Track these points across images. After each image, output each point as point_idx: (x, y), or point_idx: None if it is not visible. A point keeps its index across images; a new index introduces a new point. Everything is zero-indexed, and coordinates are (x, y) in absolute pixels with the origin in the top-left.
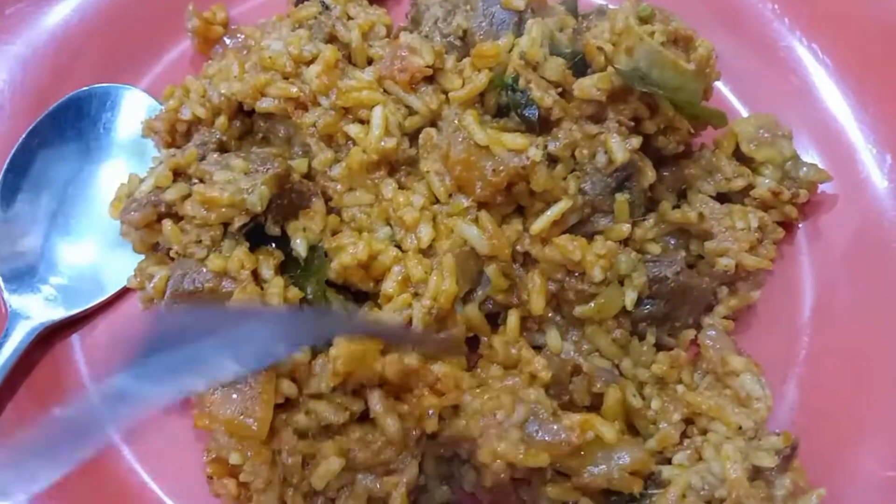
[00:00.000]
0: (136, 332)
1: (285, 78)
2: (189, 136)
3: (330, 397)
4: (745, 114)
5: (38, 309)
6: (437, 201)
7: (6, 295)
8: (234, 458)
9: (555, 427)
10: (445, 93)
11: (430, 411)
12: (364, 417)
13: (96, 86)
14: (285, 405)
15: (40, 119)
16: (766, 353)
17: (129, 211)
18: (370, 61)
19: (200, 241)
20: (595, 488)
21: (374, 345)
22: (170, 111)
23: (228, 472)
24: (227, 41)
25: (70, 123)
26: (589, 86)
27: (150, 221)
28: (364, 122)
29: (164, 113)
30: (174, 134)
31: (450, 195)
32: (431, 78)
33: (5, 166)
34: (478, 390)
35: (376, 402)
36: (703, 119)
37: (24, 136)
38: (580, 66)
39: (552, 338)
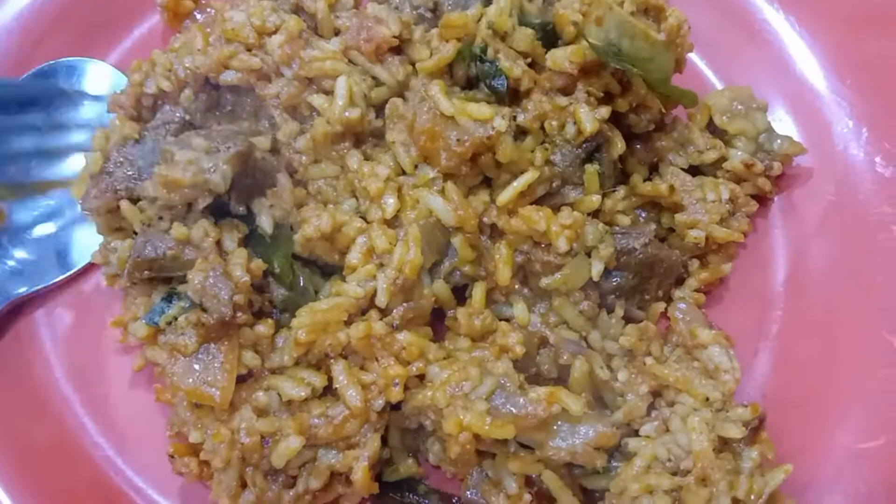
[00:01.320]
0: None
1: (248, 49)
2: (154, 111)
3: (291, 372)
4: (720, 87)
5: (1, 283)
6: (404, 172)
7: None
8: (194, 437)
9: (521, 400)
10: (413, 64)
11: (396, 381)
12: (325, 392)
13: (62, 59)
14: (246, 378)
15: (4, 91)
16: (738, 327)
17: (90, 198)
18: (337, 32)
19: (162, 218)
20: (559, 462)
21: (338, 314)
22: (134, 85)
23: (189, 450)
24: (198, 15)
25: (36, 96)
26: (562, 57)
27: (111, 207)
28: (329, 93)
29: (129, 87)
30: (140, 108)
31: (415, 166)
32: (399, 49)
33: None
34: (445, 361)
35: (340, 372)
36: (674, 98)
37: None
38: (550, 36)
39: (519, 310)
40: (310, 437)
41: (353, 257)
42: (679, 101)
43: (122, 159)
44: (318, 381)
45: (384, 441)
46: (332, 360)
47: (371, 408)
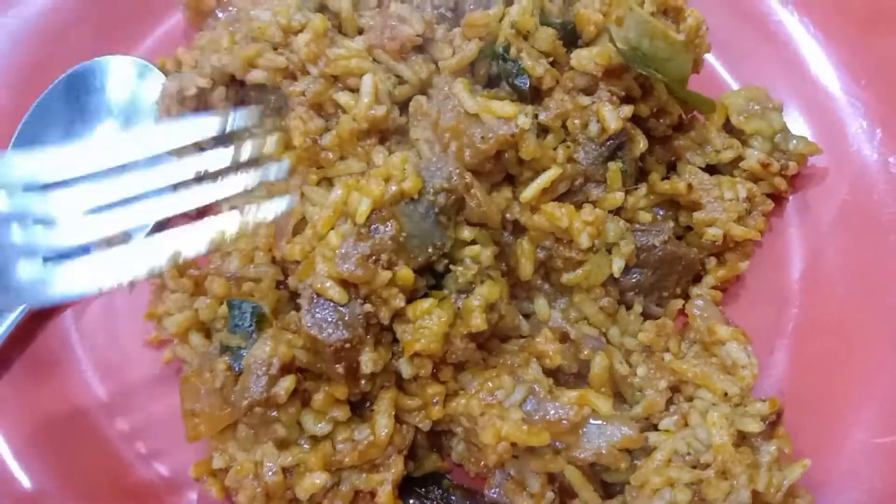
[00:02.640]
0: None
1: (274, 48)
2: (198, 110)
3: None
4: (735, 87)
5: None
6: None
7: None
8: (217, 462)
9: (553, 405)
10: (435, 62)
11: (436, 399)
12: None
13: (99, 59)
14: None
15: (46, 94)
16: (754, 324)
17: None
18: (360, 31)
19: None
20: (584, 462)
21: None
22: (177, 93)
23: (212, 471)
24: (220, 14)
25: (73, 97)
26: (587, 58)
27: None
28: (354, 90)
29: (173, 95)
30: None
31: None
32: (422, 48)
33: (13, 141)
34: (476, 368)
35: (384, 402)
36: (693, 104)
37: (31, 110)
38: (570, 35)
39: (540, 306)
40: (334, 464)
41: None
42: (698, 107)
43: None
44: (341, 413)
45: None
46: (381, 391)
47: (399, 435)
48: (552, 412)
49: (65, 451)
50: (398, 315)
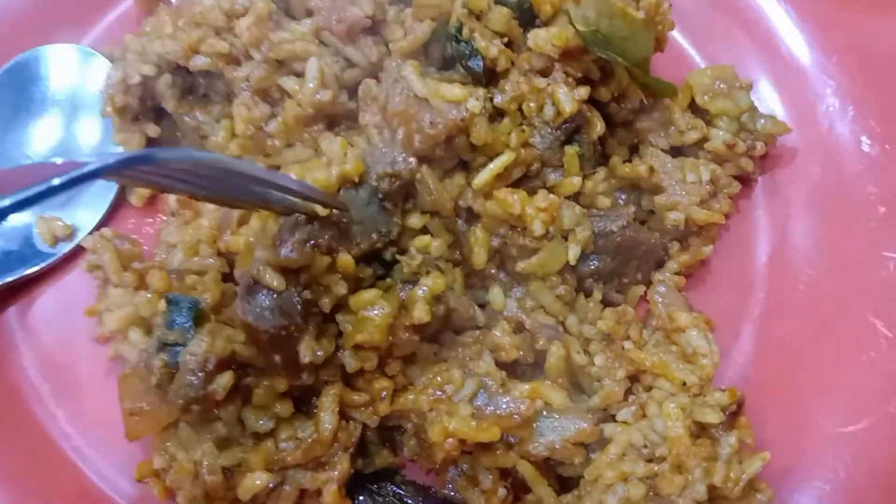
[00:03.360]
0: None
1: (217, 33)
2: (144, 100)
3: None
4: (703, 66)
5: None
6: None
7: None
8: (157, 462)
9: (505, 399)
10: (387, 45)
11: (383, 394)
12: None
13: (40, 47)
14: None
15: None
16: (720, 309)
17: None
18: (309, 14)
19: None
20: (537, 457)
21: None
22: (120, 82)
23: (154, 472)
24: (173, 0)
25: (16, 87)
26: (544, 39)
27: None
28: (300, 75)
29: (117, 84)
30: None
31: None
32: (373, 29)
33: None
34: (425, 362)
35: (329, 397)
36: (654, 89)
37: None
38: (527, 15)
39: (495, 294)
40: (277, 462)
41: None
42: (659, 92)
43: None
44: (283, 409)
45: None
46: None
47: (346, 432)
48: (503, 406)
49: (7, 451)
50: (342, 306)
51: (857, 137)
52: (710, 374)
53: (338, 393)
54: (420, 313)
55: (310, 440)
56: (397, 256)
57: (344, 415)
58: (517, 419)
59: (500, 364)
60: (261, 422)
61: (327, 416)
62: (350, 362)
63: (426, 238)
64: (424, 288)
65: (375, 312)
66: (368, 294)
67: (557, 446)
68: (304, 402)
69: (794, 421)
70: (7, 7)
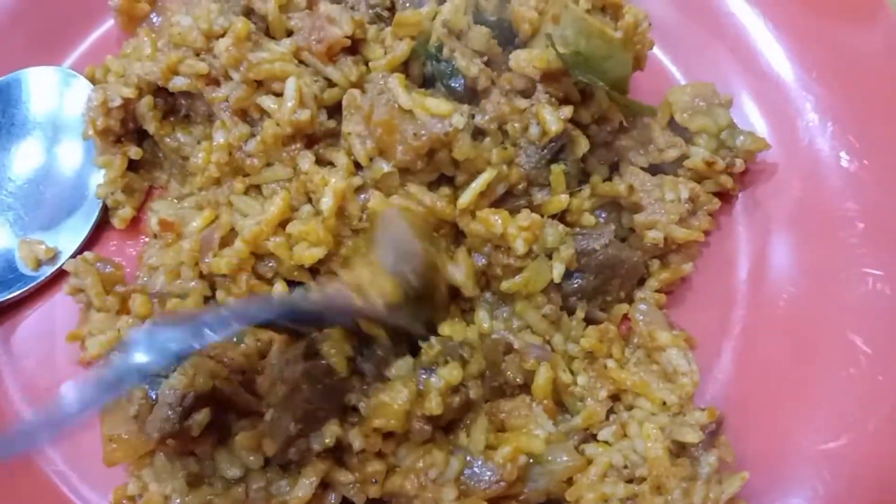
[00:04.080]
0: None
1: (196, 54)
2: (126, 123)
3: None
4: (684, 82)
5: None
6: (357, 168)
7: None
8: (132, 488)
9: (488, 471)
10: (367, 63)
11: (374, 480)
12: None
13: (20, 70)
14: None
15: None
16: (701, 327)
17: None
18: (289, 33)
19: None
20: (534, 503)
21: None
22: (101, 105)
23: (128, 498)
24: (154, 19)
25: None
26: (525, 60)
27: None
28: (279, 94)
29: (98, 107)
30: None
31: (370, 159)
32: (353, 49)
33: None
34: (409, 444)
35: (314, 471)
36: (634, 111)
37: None
38: (506, 34)
39: (481, 318)
40: None
41: None
42: (640, 113)
43: None
44: (254, 461)
45: None
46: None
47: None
48: (488, 476)
49: None
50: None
51: (836, 153)
52: (689, 393)
53: (325, 469)
54: (433, 405)
55: (279, 501)
56: (420, 342)
57: (326, 485)
58: (503, 485)
59: (494, 390)
60: (232, 468)
61: (304, 486)
62: (357, 443)
63: (451, 325)
64: (440, 378)
65: (393, 397)
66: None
67: (553, 489)
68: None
69: (774, 438)
70: None
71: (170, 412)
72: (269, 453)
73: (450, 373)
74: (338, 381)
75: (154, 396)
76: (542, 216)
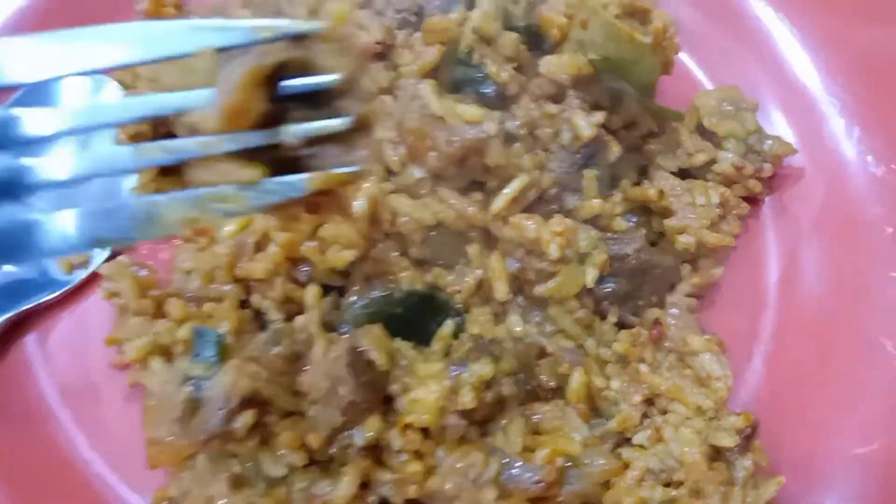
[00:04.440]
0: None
1: None
2: (157, 127)
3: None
4: (710, 87)
5: None
6: (390, 175)
7: None
8: (173, 490)
9: (527, 469)
10: (396, 69)
11: (413, 482)
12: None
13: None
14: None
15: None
16: (731, 331)
17: None
18: None
19: None
20: None
21: None
22: None
23: (170, 499)
24: None
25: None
26: (556, 66)
27: None
28: None
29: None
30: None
31: (402, 165)
32: (382, 55)
33: None
34: (449, 445)
35: (354, 470)
36: (663, 116)
37: None
38: (535, 39)
39: (514, 322)
40: None
41: None
42: (668, 118)
43: None
44: (298, 459)
45: None
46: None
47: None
48: (528, 477)
49: (28, 477)
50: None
51: (863, 158)
52: (724, 398)
53: (366, 467)
54: (466, 399)
55: (321, 500)
56: (451, 340)
57: (366, 485)
58: (543, 486)
59: (528, 394)
60: (275, 467)
61: (346, 484)
62: (398, 442)
63: (481, 321)
64: (472, 373)
65: (427, 393)
66: (423, 373)
67: (590, 491)
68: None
69: (806, 443)
70: (12, 34)
71: (216, 414)
72: (315, 446)
73: (481, 368)
74: (380, 374)
75: (198, 398)
76: (575, 222)
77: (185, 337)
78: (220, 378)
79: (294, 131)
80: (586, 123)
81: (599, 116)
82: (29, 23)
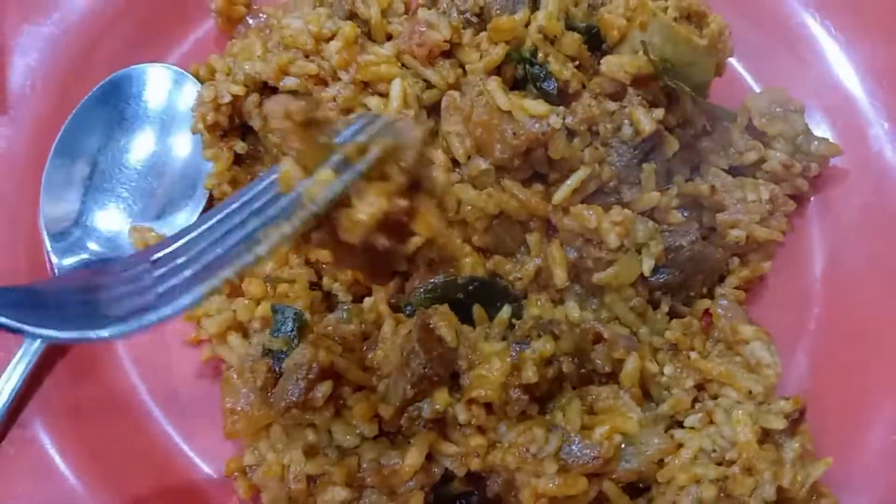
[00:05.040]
0: None
1: (306, 56)
2: (233, 118)
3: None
4: (758, 89)
5: None
6: (455, 165)
7: (55, 259)
8: (248, 459)
9: (586, 449)
10: (462, 66)
11: (476, 454)
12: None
13: (136, 66)
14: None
15: (84, 101)
16: (776, 323)
17: None
18: (389, 37)
19: None
20: (623, 481)
21: None
22: (212, 101)
23: (242, 469)
24: (250, 20)
25: (111, 104)
26: (617, 66)
27: None
28: (383, 95)
29: (209, 103)
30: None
31: (468, 157)
32: (449, 52)
33: (54, 148)
34: (511, 421)
35: (422, 441)
36: (715, 115)
37: (70, 117)
38: (595, 40)
39: (571, 308)
40: (357, 480)
41: None
42: (720, 117)
43: None
44: (368, 430)
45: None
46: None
47: (430, 475)
48: (586, 453)
49: (108, 447)
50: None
51: None
52: (773, 383)
53: (432, 439)
54: (529, 374)
55: (389, 469)
56: (513, 320)
57: (430, 456)
58: (601, 462)
59: (583, 377)
60: (348, 437)
61: (414, 455)
62: (463, 416)
63: (542, 306)
64: (534, 350)
65: (490, 369)
66: (487, 351)
67: (644, 468)
68: (391, 432)
69: (849, 431)
70: (95, 28)
71: (297, 384)
72: (386, 417)
73: (543, 345)
74: (448, 350)
75: (278, 370)
76: (634, 213)
77: (264, 314)
78: (301, 350)
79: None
80: (647, 119)
81: (659, 113)
82: (102, 22)
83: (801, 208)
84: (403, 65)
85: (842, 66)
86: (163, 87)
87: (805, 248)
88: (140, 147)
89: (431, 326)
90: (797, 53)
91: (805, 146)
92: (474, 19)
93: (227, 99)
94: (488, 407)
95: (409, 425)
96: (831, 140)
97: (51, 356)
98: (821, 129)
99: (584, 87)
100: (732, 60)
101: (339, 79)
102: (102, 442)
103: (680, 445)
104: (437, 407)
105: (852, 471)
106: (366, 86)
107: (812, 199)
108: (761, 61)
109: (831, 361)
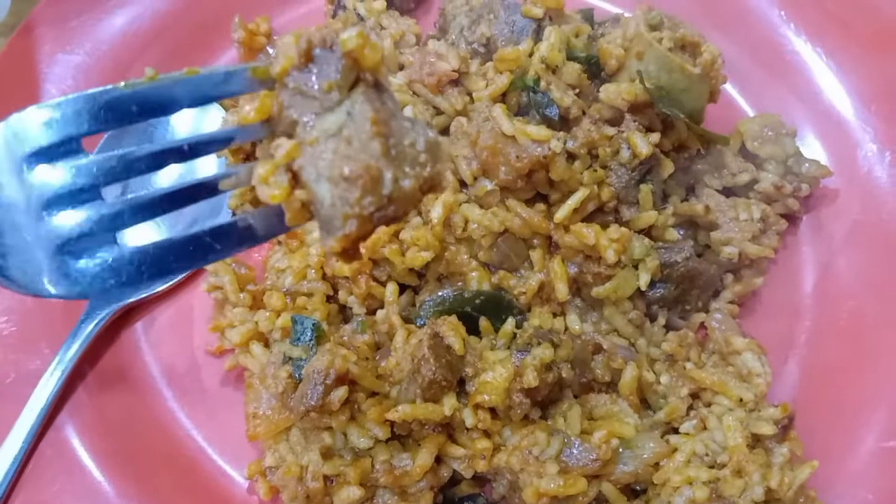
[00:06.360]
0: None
1: None
2: (255, 142)
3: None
4: (752, 114)
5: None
6: (463, 187)
7: None
8: (269, 460)
9: (585, 448)
10: (469, 94)
11: (483, 456)
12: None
13: None
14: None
15: None
16: (768, 336)
17: None
18: (401, 67)
19: None
20: (620, 483)
21: None
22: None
23: (262, 472)
24: (270, 51)
25: (140, 128)
26: (614, 93)
27: None
28: None
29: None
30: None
31: (475, 178)
32: (457, 81)
33: None
34: (514, 425)
35: (431, 444)
36: (709, 139)
37: (101, 142)
38: (594, 68)
39: (572, 321)
40: (370, 480)
41: None
42: (714, 141)
43: None
44: (381, 433)
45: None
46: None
47: (439, 476)
48: (586, 455)
49: (136, 449)
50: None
51: (894, 180)
52: (763, 392)
53: (441, 443)
54: (530, 378)
55: (401, 470)
56: (516, 331)
57: (439, 459)
58: (599, 464)
59: (583, 386)
60: (362, 440)
61: (424, 456)
62: (469, 420)
63: (542, 317)
64: (534, 356)
65: (494, 376)
66: (491, 359)
67: (640, 471)
68: (402, 435)
69: (838, 437)
70: (125, 57)
71: (315, 389)
72: (398, 421)
73: (542, 352)
74: (456, 358)
75: (298, 376)
76: (630, 231)
77: (284, 324)
78: (318, 358)
79: None
80: (644, 143)
81: (655, 137)
82: (131, 52)
83: (793, 226)
84: (414, 93)
85: (832, 90)
86: (189, 111)
87: (797, 264)
88: (167, 168)
89: (441, 335)
90: (790, 79)
91: (796, 168)
92: (481, 49)
93: None
94: (493, 411)
95: (418, 430)
96: (823, 161)
97: (83, 365)
98: (813, 151)
99: (584, 113)
100: (728, 87)
101: None
102: (130, 445)
103: (675, 449)
104: (447, 412)
105: (840, 476)
106: None
107: (804, 217)
108: (755, 87)
109: (821, 372)
